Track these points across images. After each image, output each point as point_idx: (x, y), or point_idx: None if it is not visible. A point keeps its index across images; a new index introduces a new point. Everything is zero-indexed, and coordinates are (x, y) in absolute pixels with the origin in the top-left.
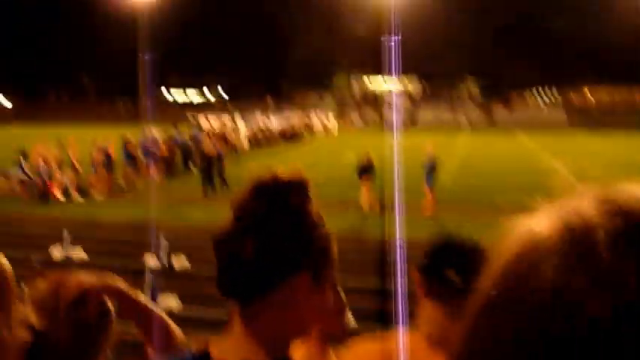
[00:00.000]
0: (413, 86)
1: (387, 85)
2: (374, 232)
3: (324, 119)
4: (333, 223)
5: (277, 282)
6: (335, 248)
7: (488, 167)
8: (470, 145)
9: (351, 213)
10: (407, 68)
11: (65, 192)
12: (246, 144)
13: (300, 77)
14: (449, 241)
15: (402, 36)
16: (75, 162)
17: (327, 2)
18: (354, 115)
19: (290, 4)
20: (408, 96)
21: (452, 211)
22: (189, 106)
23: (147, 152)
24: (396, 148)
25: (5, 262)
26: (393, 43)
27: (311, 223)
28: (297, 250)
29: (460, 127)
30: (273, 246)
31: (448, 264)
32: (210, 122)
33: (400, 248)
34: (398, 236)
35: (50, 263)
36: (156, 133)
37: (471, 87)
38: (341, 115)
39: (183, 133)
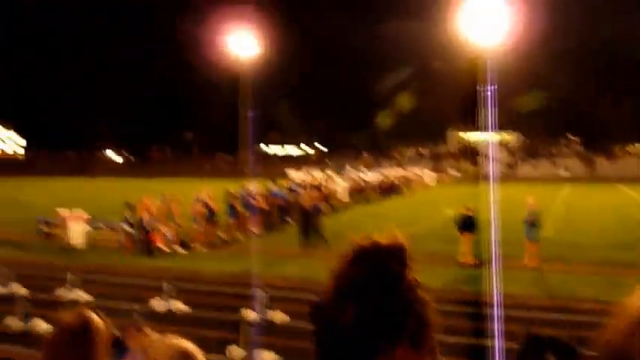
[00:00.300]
0: (512, 139)
1: (484, 136)
2: (474, 286)
3: (421, 172)
4: (433, 277)
5: (377, 349)
6: (434, 314)
7: (590, 220)
8: (571, 198)
9: (451, 267)
10: (505, 122)
11: (168, 244)
12: (344, 198)
13: (396, 131)
14: (542, 334)
15: (499, 90)
16: (178, 215)
17: (423, 58)
18: (452, 168)
19: (384, 64)
20: (507, 149)
21: (554, 265)
22: (288, 159)
23: (247, 205)
24: (494, 202)
25: (97, 318)
26: (489, 93)
27: (410, 290)
28: (397, 317)
29: (560, 179)
30: (373, 313)
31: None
32: (308, 176)
33: (498, 305)
34: (496, 292)
35: (152, 315)
36: (255, 186)
37: (572, 139)
38: (438, 168)
39: (282, 187)
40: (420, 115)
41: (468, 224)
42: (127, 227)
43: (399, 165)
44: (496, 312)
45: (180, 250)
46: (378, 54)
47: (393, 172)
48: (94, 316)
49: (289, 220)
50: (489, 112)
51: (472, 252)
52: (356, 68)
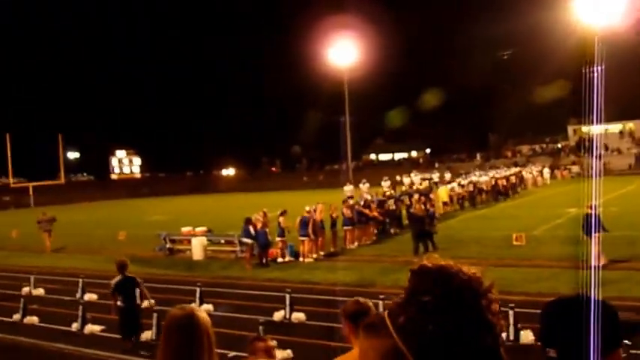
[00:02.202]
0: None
1: (601, 128)
2: (604, 290)
3: (537, 170)
4: (559, 282)
5: None
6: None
7: None
8: None
9: (578, 270)
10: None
11: (283, 256)
12: (455, 202)
13: (509, 130)
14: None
15: (619, 77)
16: (291, 227)
17: (534, 52)
18: (571, 164)
19: (494, 60)
20: (634, 140)
21: None
22: (397, 165)
23: (359, 214)
24: (599, 198)
25: (204, 315)
26: (595, 75)
27: (485, 322)
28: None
29: None
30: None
31: None
32: (418, 182)
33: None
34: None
35: (272, 325)
36: (366, 195)
37: None
38: (556, 164)
39: (393, 194)
40: (536, 110)
41: (592, 224)
42: (245, 240)
43: (514, 164)
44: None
45: (295, 260)
46: (482, 49)
47: (507, 172)
48: (198, 310)
49: (394, 230)
50: (596, 99)
51: (599, 253)
52: (461, 67)
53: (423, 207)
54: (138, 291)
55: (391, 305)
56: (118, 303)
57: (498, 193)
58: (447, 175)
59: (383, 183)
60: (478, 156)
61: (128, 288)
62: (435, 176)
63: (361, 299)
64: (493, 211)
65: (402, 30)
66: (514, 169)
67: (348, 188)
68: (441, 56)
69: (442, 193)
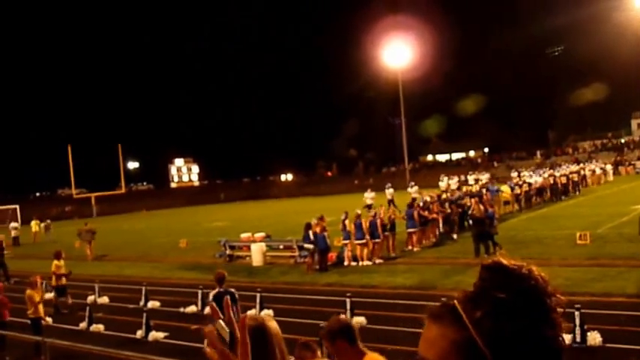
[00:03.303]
0: None
1: None
2: None
3: (599, 167)
4: (626, 282)
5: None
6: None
7: None
8: None
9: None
10: None
11: (340, 260)
12: (515, 202)
13: (570, 127)
14: None
15: None
16: (349, 230)
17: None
18: (633, 160)
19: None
20: None
21: None
22: (455, 166)
23: (420, 216)
24: None
25: (274, 325)
26: None
27: (554, 322)
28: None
29: None
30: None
31: None
32: (476, 181)
33: None
34: None
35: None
36: (425, 196)
37: None
38: (620, 160)
39: (454, 195)
40: (597, 104)
41: None
42: (305, 245)
43: (575, 161)
44: None
45: (354, 264)
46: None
47: (566, 170)
48: (269, 320)
49: (451, 234)
50: None
51: None
52: (518, 65)
53: (482, 208)
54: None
55: (460, 297)
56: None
57: (558, 191)
58: (514, 174)
59: (440, 183)
60: (538, 153)
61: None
62: (484, 177)
63: (342, 317)
64: (554, 210)
65: (458, 29)
66: (575, 167)
67: (413, 190)
68: (497, 55)
69: (505, 192)
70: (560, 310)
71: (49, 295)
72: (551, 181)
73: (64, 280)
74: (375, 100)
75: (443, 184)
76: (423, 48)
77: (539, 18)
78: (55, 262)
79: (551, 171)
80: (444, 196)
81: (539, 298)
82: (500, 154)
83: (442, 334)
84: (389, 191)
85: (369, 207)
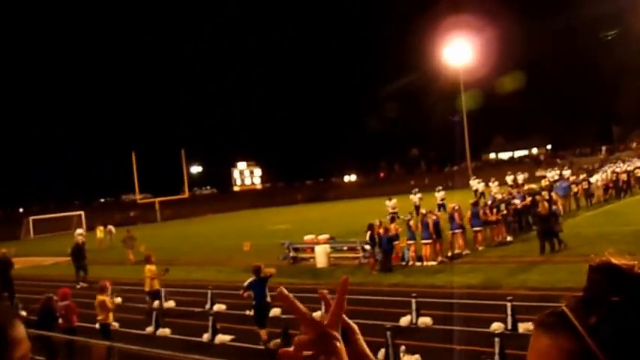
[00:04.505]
0: None
1: None
2: None
3: None
4: None
5: None
6: None
7: None
8: None
9: None
10: None
11: (404, 260)
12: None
13: (634, 121)
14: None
15: None
16: (414, 230)
17: None
18: None
19: (615, 50)
20: None
21: None
22: (518, 163)
23: (478, 215)
24: None
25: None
26: None
27: None
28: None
29: None
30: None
31: None
32: (544, 177)
33: None
34: None
35: (399, 330)
36: (489, 194)
37: None
38: None
39: (516, 194)
40: None
41: None
42: (368, 246)
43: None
44: None
45: (419, 264)
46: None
47: (632, 166)
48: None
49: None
50: None
51: None
52: (579, 61)
53: (547, 205)
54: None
55: (571, 302)
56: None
57: (620, 188)
58: (571, 169)
59: (507, 177)
60: (602, 149)
61: (258, 287)
62: (551, 174)
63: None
64: (618, 207)
65: (518, 27)
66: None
67: (476, 182)
68: (556, 52)
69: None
70: None
71: (118, 300)
72: (614, 178)
73: (156, 284)
74: (438, 98)
75: (510, 179)
76: (485, 45)
77: (599, 5)
78: (148, 266)
79: (613, 167)
80: (507, 195)
81: None
82: (564, 151)
83: (554, 344)
84: (439, 194)
85: (392, 218)
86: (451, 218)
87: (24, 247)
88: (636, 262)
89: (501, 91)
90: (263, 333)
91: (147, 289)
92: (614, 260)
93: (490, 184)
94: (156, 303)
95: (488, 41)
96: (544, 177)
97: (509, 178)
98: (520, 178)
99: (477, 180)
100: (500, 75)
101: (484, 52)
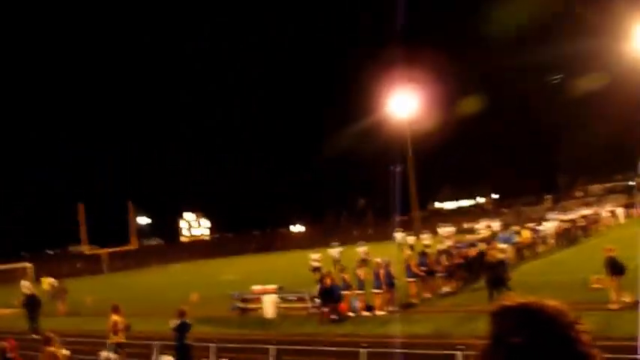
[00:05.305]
0: None
1: None
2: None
3: (609, 210)
4: None
5: None
6: None
7: None
8: None
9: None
10: None
11: (355, 310)
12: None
13: (579, 170)
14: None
15: None
16: (362, 280)
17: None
18: None
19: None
20: None
21: None
22: (464, 212)
23: (432, 264)
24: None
25: None
26: None
27: (579, 354)
28: None
29: None
30: None
31: None
32: (485, 228)
33: None
34: None
35: None
36: (434, 244)
37: None
38: (630, 203)
39: (462, 243)
40: (608, 146)
41: (614, 267)
42: (316, 297)
43: (585, 204)
44: None
45: (366, 314)
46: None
47: (577, 214)
48: None
49: (458, 280)
50: None
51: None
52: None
53: (495, 254)
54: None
55: (478, 352)
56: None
57: (569, 236)
58: (516, 220)
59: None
60: (548, 198)
61: (182, 330)
62: (496, 224)
63: None
64: (566, 255)
65: (464, 74)
66: (585, 210)
67: (409, 239)
68: (503, 99)
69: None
70: (586, 339)
71: (66, 352)
72: (562, 227)
73: (122, 337)
74: (383, 148)
75: (477, 227)
76: (430, 94)
77: (542, 50)
78: (114, 316)
79: (560, 216)
80: (454, 244)
81: (556, 332)
82: (510, 200)
83: None
84: (361, 249)
85: (315, 270)
86: (376, 275)
87: None
88: (534, 299)
89: (448, 138)
90: None
91: (111, 340)
92: (509, 303)
93: (422, 235)
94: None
95: (434, 90)
96: (489, 226)
97: (442, 230)
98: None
99: (402, 233)
100: (446, 123)
101: (430, 100)
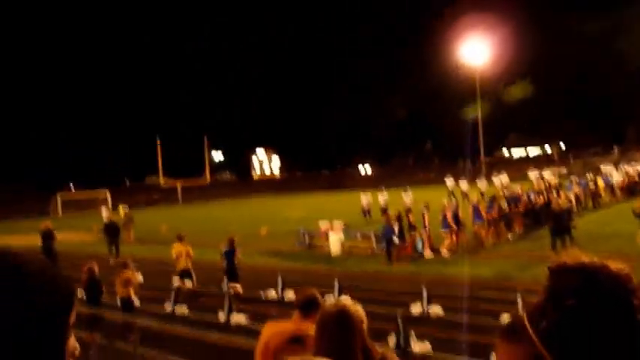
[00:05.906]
0: None
1: None
2: None
3: None
4: None
5: None
6: None
7: None
8: None
9: None
10: None
11: (421, 250)
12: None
13: None
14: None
15: None
16: (428, 221)
17: None
18: None
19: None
20: None
21: None
22: (531, 161)
23: (498, 210)
24: None
25: (359, 309)
26: None
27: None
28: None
29: None
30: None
31: None
32: (552, 177)
33: None
34: None
35: (410, 318)
36: (500, 190)
37: None
38: None
39: (528, 190)
40: None
41: None
42: (381, 235)
43: None
44: None
45: (431, 255)
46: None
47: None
48: (352, 305)
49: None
50: None
51: None
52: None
53: (560, 203)
54: None
55: (531, 308)
56: None
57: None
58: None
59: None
60: (615, 149)
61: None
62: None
63: (312, 290)
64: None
65: (534, 24)
66: None
67: (462, 185)
68: (570, 48)
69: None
70: None
71: (140, 277)
72: (629, 179)
73: (189, 263)
74: (454, 95)
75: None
76: (502, 43)
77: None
78: (178, 245)
79: (626, 167)
80: (520, 190)
81: (615, 298)
82: (577, 150)
83: (509, 351)
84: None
85: (383, 211)
86: (443, 217)
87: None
88: (597, 260)
89: (516, 89)
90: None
91: (180, 267)
92: (569, 261)
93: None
94: (187, 282)
95: (505, 40)
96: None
97: (497, 179)
98: (546, 174)
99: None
100: (516, 74)
101: (501, 50)
